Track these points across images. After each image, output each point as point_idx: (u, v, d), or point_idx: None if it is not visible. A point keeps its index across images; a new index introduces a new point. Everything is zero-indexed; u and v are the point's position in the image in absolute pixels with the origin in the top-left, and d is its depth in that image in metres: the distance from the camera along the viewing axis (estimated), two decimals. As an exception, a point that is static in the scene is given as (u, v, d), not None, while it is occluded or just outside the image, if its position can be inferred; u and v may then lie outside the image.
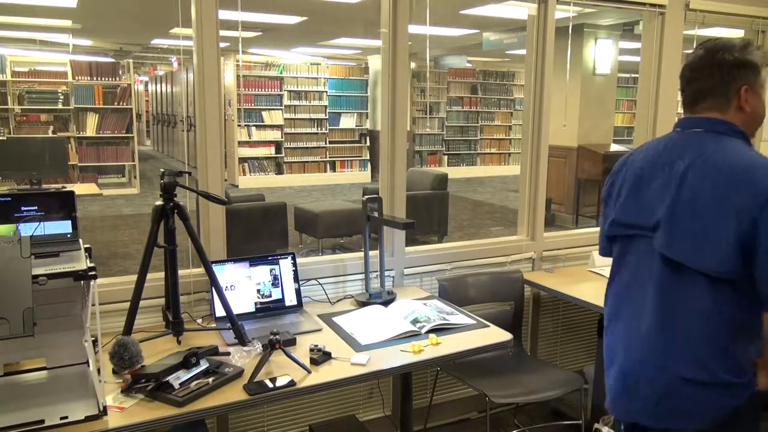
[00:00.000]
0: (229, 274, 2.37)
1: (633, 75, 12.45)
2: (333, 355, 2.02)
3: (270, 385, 1.82)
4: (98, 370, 1.62)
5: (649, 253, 1.58)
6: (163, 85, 15.04)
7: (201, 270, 2.29)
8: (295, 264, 2.50)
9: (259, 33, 8.99)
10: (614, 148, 7.97)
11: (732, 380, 1.47)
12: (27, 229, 1.70)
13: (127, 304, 2.07)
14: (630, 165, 1.68)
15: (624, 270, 1.69)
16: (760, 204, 1.40)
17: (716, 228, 1.44)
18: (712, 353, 1.48)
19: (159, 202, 2.09)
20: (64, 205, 1.96)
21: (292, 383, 1.84)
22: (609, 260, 3.15)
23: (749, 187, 1.41)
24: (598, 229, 3.89)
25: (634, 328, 1.61)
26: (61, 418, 1.56)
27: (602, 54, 7.94)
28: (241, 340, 2.08)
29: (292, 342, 2.11)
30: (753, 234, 1.40)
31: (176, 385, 1.74)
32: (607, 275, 2.95)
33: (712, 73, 1.55)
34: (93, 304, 1.57)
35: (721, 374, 1.47)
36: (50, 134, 9.00)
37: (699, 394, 1.48)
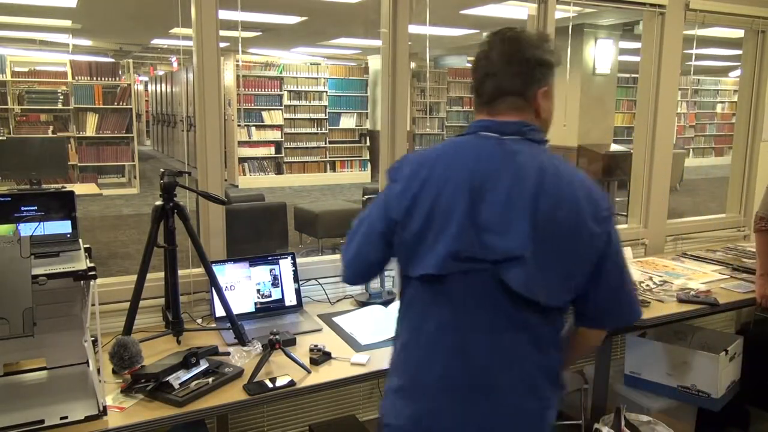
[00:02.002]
0: (229, 274, 2.37)
1: (633, 75, 12.45)
2: (333, 355, 2.02)
3: (270, 385, 1.82)
4: (98, 370, 1.62)
5: (484, 291, 1.31)
6: (163, 85, 15.02)
7: (201, 270, 2.29)
8: (294, 264, 2.50)
9: (259, 33, 8.99)
10: (614, 147, 7.97)
11: None
12: (27, 229, 1.70)
13: (127, 304, 2.07)
14: (444, 175, 1.32)
15: (434, 314, 1.35)
16: (606, 229, 1.31)
17: (580, 261, 1.32)
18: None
19: (159, 202, 2.09)
20: (64, 205, 1.96)
21: (292, 383, 1.83)
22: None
23: (597, 210, 1.31)
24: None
25: (483, 388, 1.33)
26: (61, 418, 1.56)
27: (602, 54, 7.94)
28: (241, 340, 2.08)
29: (292, 342, 2.11)
30: (601, 261, 1.33)
31: (176, 385, 1.74)
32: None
33: (516, 70, 1.33)
34: (93, 304, 1.57)
35: None
36: (50, 134, 8.99)
37: None
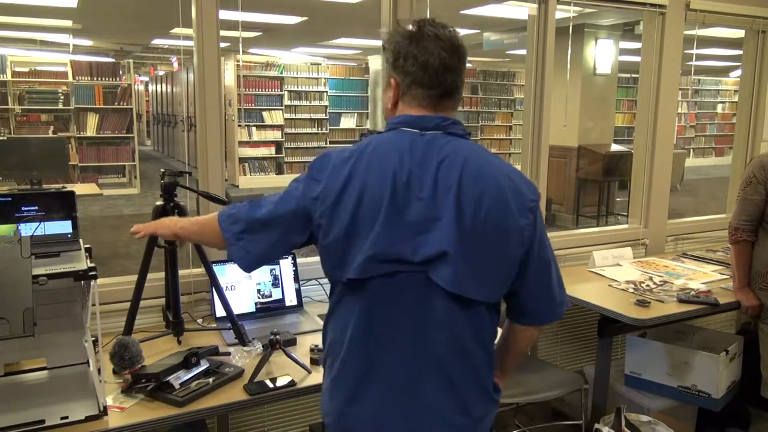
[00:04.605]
0: (229, 274, 2.37)
1: (633, 75, 12.45)
2: (333, 355, 2.02)
3: (270, 385, 1.82)
4: (98, 370, 1.62)
5: (417, 288, 1.28)
6: (164, 85, 15.03)
7: (201, 270, 2.29)
8: (295, 264, 2.50)
9: (260, 33, 8.99)
10: (614, 148, 7.97)
11: None
12: (27, 229, 1.70)
13: (127, 304, 2.07)
14: (366, 175, 1.29)
15: (356, 316, 1.33)
16: (532, 220, 1.30)
17: (510, 254, 1.30)
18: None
19: (159, 202, 2.09)
20: (64, 205, 1.96)
21: (292, 383, 1.83)
22: (611, 259, 3.18)
23: (522, 201, 1.29)
24: (598, 229, 3.85)
25: (405, 390, 1.31)
26: (62, 418, 1.56)
27: (602, 54, 7.94)
28: (242, 340, 2.08)
29: (292, 342, 2.11)
30: (527, 254, 1.32)
31: (176, 385, 1.74)
32: (609, 275, 2.98)
33: (462, 66, 1.33)
34: (93, 304, 1.58)
35: None
36: (50, 134, 8.99)
37: None
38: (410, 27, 1.33)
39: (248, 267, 1.44)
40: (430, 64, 1.29)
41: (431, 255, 1.25)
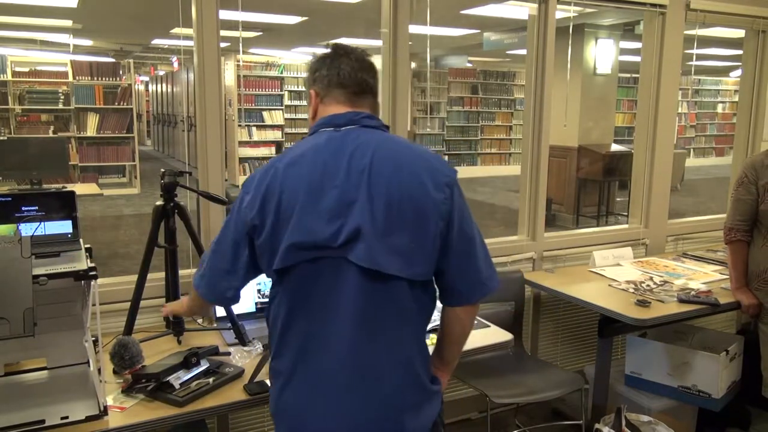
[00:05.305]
0: (229, 274, 2.37)
1: (633, 75, 12.45)
2: (333, 355, 2.02)
3: (270, 385, 1.81)
4: (99, 370, 1.62)
5: (336, 272, 1.34)
6: (164, 85, 15.03)
7: (201, 270, 2.29)
8: (295, 264, 2.49)
9: (260, 33, 8.99)
10: (615, 147, 7.97)
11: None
12: (27, 229, 1.69)
13: (127, 304, 2.07)
14: (285, 174, 1.37)
15: (292, 305, 1.39)
16: (448, 195, 1.36)
17: (428, 229, 1.35)
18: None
19: (159, 202, 2.09)
20: (64, 205, 1.96)
21: (292, 383, 1.83)
22: (611, 259, 3.18)
23: (437, 177, 1.36)
24: (598, 229, 3.87)
25: (330, 375, 1.36)
26: (62, 418, 1.56)
27: (603, 54, 7.94)
28: (242, 340, 2.08)
29: (292, 342, 2.10)
30: (448, 229, 1.37)
31: (177, 385, 1.74)
32: (610, 275, 2.98)
33: (373, 73, 1.49)
34: (93, 304, 1.57)
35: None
36: (51, 134, 8.99)
37: None
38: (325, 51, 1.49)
39: (217, 299, 1.58)
40: (343, 68, 1.44)
41: (349, 236, 1.31)
